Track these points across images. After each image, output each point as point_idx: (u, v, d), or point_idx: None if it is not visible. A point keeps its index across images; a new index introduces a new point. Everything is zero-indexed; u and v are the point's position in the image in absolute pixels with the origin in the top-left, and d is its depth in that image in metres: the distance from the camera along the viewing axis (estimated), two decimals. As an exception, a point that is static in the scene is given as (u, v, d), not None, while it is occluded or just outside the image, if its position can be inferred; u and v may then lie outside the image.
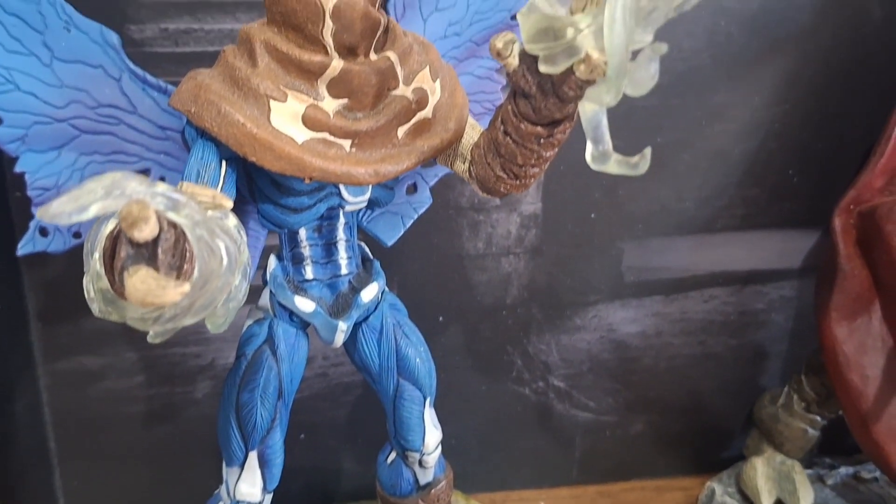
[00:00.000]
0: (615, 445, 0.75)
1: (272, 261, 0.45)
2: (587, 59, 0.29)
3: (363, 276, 0.46)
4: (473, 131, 0.42)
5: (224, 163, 0.38)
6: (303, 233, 0.43)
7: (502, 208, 0.65)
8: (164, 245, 0.26)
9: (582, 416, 0.74)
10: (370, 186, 0.42)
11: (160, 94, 0.42)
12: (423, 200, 0.52)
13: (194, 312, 0.29)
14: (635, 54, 0.30)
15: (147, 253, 0.26)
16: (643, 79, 0.30)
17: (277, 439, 0.45)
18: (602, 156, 0.33)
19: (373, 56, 0.38)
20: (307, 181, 0.37)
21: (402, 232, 0.52)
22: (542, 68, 0.31)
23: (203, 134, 0.37)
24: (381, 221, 0.51)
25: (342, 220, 0.44)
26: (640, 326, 0.71)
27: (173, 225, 0.27)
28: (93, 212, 0.24)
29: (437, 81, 0.40)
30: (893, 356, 0.57)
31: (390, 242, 0.52)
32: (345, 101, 0.37)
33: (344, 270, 0.45)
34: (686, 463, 0.77)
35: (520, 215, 0.66)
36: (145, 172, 0.44)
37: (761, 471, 0.69)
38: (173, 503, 0.68)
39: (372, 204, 0.44)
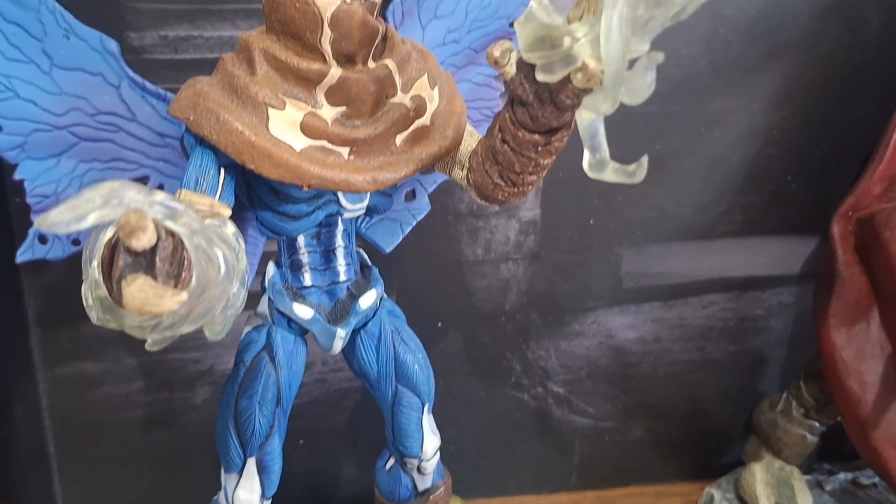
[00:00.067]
0: (614, 451, 0.75)
1: (271, 267, 0.45)
2: (584, 68, 0.30)
3: (362, 282, 0.46)
4: (472, 138, 0.42)
5: (223, 170, 0.38)
6: (301, 240, 0.43)
7: (501, 214, 0.65)
8: (161, 254, 0.26)
9: (581, 421, 0.74)
10: (368, 194, 0.42)
11: (159, 102, 0.42)
12: (422, 207, 0.52)
13: (192, 320, 0.29)
14: (632, 63, 0.30)
15: (145, 261, 0.26)
16: (640, 87, 0.30)
17: (276, 446, 0.45)
18: (599, 164, 0.33)
19: (371, 64, 0.38)
20: (305, 189, 0.37)
21: (400, 238, 0.52)
22: (540, 77, 0.31)
23: (202, 142, 0.37)
24: (380, 228, 0.51)
25: (340, 226, 0.44)
26: (639, 332, 0.71)
27: (171, 233, 0.27)
28: (91, 221, 0.24)
29: (436, 89, 0.40)
30: (892, 363, 0.57)
31: (389, 249, 0.52)
32: (343, 108, 0.37)
33: (342, 277, 0.45)
34: (685, 469, 0.77)
35: (519, 221, 0.66)
36: (144, 180, 0.44)
37: (760, 477, 0.69)
38: (172, 509, 0.68)
39: (370, 211, 0.44)
